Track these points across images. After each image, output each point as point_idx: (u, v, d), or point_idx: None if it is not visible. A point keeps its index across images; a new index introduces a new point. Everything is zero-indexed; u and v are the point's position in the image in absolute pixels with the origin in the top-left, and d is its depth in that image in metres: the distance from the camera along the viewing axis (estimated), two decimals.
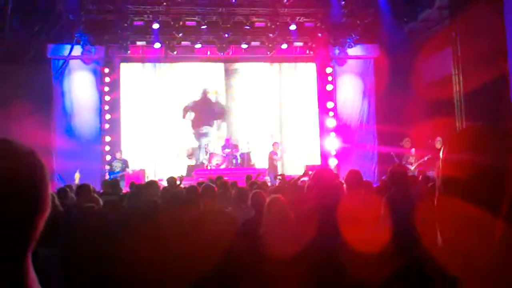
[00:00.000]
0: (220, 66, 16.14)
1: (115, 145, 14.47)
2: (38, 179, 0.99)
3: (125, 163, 13.24)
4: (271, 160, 13.88)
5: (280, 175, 10.92)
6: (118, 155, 13.41)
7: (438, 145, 12.13)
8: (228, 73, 16.16)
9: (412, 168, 12.40)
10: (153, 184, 6.94)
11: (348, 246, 2.34)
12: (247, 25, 14.24)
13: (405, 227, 2.70)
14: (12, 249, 0.95)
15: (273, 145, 14.19)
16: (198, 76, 15.93)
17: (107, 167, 13.34)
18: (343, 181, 5.33)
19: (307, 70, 16.55)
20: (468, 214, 0.94)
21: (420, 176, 8.58)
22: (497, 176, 0.91)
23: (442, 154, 1.02)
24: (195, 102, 15.87)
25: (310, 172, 9.62)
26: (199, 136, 15.72)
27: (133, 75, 15.73)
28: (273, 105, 16.32)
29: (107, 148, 14.58)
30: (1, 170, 0.94)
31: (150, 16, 13.81)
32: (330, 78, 15.96)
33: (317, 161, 15.62)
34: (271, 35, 14.65)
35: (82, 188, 6.41)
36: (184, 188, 7.33)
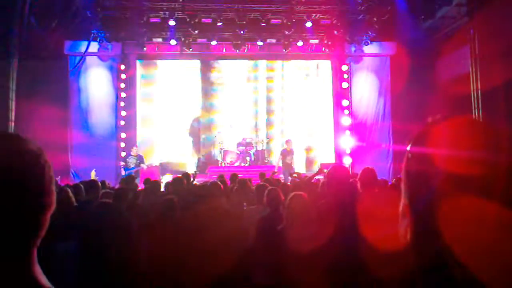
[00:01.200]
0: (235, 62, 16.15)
1: (131, 142, 14.55)
2: (44, 179, 1.01)
3: (140, 159, 13.30)
4: (284, 157, 13.78)
5: (296, 173, 10.86)
6: (133, 150, 13.45)
7: None
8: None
9: None
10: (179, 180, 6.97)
11: (366, 243, 2.31)
12: (263, 22, 14.20)
13: (424, 225, 2.65)
14: (17, 246, 0.98)
15: (286, 142, 14.08)
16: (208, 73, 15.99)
17: (122, 163, 13.42)
18: (357, 179, 5.28)
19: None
20: (487, 211, 0.91)
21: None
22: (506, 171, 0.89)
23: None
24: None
25: (325, 170, 9.57)
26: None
27: (149, 71, 15.83)
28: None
29: (122, 144, 14.66)
30: (8, 168, 0.96)
31: (166, 13, 13.85)
32: (345, 76, 15.86)
33: (331, 159, 15.55)
34: (287, 32, 14.60)
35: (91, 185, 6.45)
36: (199, 185, 7.34)
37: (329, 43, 15.55)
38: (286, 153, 13.73)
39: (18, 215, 0.96)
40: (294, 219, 3.27)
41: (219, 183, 5.39)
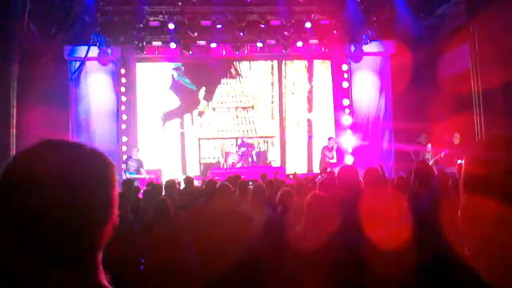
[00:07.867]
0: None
1: (132, 146, 14.53)
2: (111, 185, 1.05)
3: (139, 163, 13.25)
4: (323, 156, 13.66)
5: (292, 174, 10.83)
6: (134, 152, 13.43)
7: (456, 141, 12.02)
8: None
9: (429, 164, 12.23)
10: (170, 183, 6.96)
11: (370, 241, 2.30)
12: (262, 24, 14.20)
13: (428, 224, 2.65)
14: (81, 251, 0.98)
15: (328, 140, 13.94)
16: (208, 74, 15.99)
17: (123, 166, 13.38)
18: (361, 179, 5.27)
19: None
20: (495, 211, 0.90)
21: (437, 172, 8.44)
22: None
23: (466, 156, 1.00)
24: None
25: (328, 169, 9.58)
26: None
27: (149, 74, 15.81)
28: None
29: (124, 148, 14.66)
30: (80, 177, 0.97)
31: (166, 16, 13.86)
32: (346, 75, 15.86)
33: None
34: (286, 33, 14.60)
35: None
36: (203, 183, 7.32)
37: (329, 43, 15.54)
38: (326, 150, 13.63)
39: (83, 226, 0.96)
40: (314, 219, 3.19)
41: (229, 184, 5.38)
